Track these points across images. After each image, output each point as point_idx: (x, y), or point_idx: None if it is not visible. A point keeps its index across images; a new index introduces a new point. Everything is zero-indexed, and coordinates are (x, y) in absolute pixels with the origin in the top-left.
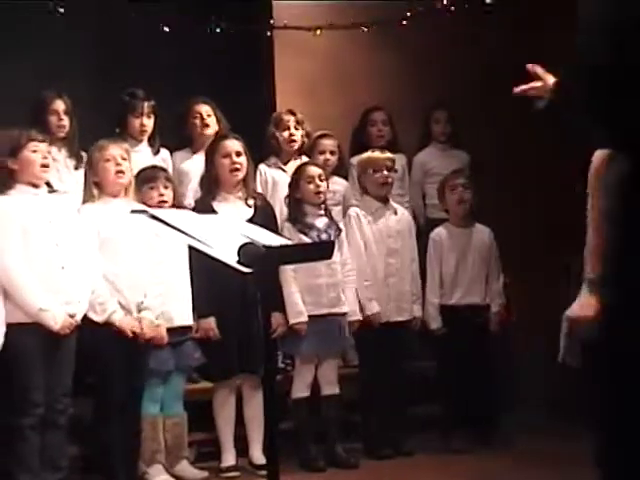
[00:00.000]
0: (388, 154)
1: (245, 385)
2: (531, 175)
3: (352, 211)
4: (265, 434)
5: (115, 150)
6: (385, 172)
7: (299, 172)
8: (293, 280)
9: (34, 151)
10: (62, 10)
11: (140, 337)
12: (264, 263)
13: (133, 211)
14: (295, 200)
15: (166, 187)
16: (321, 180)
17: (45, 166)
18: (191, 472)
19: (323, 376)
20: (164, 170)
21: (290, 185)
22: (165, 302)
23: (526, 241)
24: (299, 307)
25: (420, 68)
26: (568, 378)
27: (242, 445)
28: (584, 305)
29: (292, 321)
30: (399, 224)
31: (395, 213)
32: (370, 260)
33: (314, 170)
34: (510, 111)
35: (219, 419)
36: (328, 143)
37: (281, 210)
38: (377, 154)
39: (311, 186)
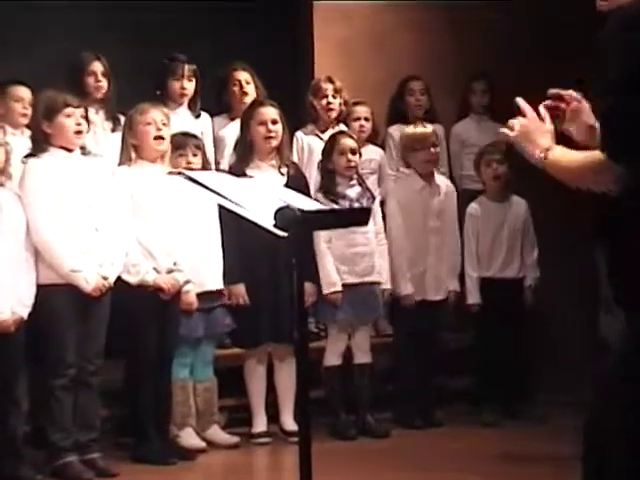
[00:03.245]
0: (430, 128)
1: (276, 352)
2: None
3: (392, 186)
4: (297, 401)
5: (156, 114)
6: (432, 149)
7: (332, 142)
8: (327, 250)
9: (68, 116)
10: None
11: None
12: (300, 227)
13: (170, 172)
14: (327, 170)
15: (195, 155)
16: (353, 153)
17: (79, 132)
18: (222, 437)
19: (356, 344)
20: (194, 137)
21: (323, 154)
22: (196, 267)
23: (564, 215)
24: (333, 277)
25: (461, 38)
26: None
27: (273, 411)
28: None
29: (326, 291)
30: (443, 203)
31: (439, 192)
32: (410, 238)
33: (347, 142)
34: (552, 83)
35: (250, 385)
36: (362, 110)
37: (316, 178)
38: (421, 130)
39: (343, 159)
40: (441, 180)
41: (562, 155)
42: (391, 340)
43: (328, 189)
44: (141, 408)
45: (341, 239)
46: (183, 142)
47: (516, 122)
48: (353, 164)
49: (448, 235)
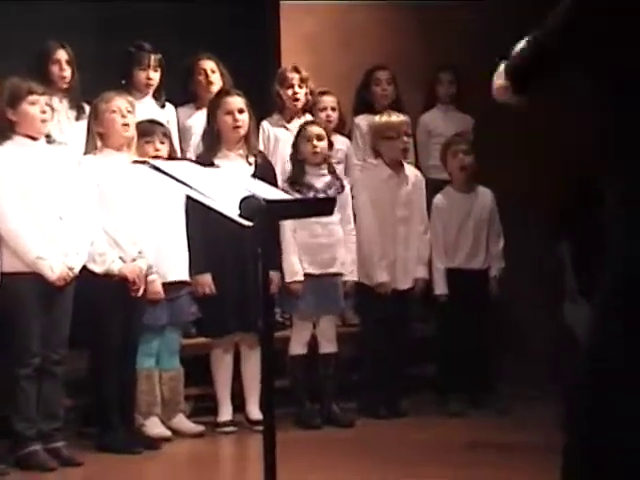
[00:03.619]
0: (402, 117)
1: (243, 342)
2: (533, 137)
3: (361, 175)
4: (262, 390)
5: (121, 102)
6: (405, 138)
7: (299, 132)
8: (293, 240)
9: (33, 103)
10: None
11: (137, 285)
12: (265, 216)
13: (135, 161)
14: (296, 160)
15: (162, 142)
16: (319, 140)
17: (44, 120)
18: (187, 426)
19: (321, 334)
20: (161, 125)
21: (293, 145)
22: (161, 257)
23: (527, 204)
24: (295, 267)
25: (426, 28)
26: (569, 344)
27: (239, 401)
28: None
29: (288, 280)
30: (410, 193)
31: (407, 181)
32: (376, 227)
33: (312, 130)
34: None
35: (216, 375)
36: (328, 100)
37: (283, 168)
38: (394, 118)
39: (309, 146)
40: (410, 170)
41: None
42: (357, 329)
43: (296, 179)
44: (106, 397)
45: (305, 229)
46: (150, 129)
47: None
48: (319, 150)
49: (415, 224)
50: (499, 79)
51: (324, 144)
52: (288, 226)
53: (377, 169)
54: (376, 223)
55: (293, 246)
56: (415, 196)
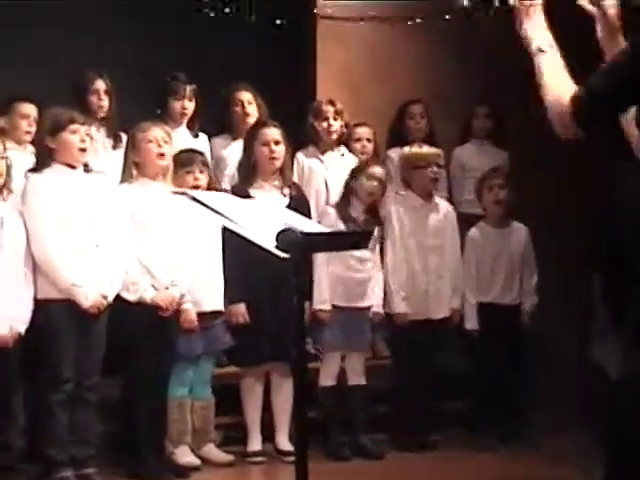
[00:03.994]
0: (432, 149)
1: (274, 372)
2: (570, 174)
3: (394, 207)
4: (294, 421)
5: (158, 132)
6: (435, 168)
7: (360, 169)
8: (324, 268)
9: (73, 132)
10: None
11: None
12: (301, 249)
13: (174, 192)
14: (347, 189)
15: (201, 172)
16: (381, 184)
17: (83, 149)
18: (217, 455)
19: (349, 366)
20: (201, 154)
21: (351, 176)
22: (196, 287)
23: (564, 240)
24: (324, 295)
25: (462, 63)
26: (600, 380)
27: (268, 431)
28: None
29: (316, 307)
30: (441, 222)
31: (438, 210)
32: (408, 257)
33: (378, 171)
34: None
35: (246, 404)
36: (364, 131)
37: (317, 199)
38: (425, 150)
39: (371, 183)
40: (440, 201)
41: (548, 66)
42: (387, 362)
43: (342, 207)
44: (137, 425)
45: (338, 261)
46: (190, 159)
47: None
48: (376, 196)
49: (449, 254)
50: (564, 117)
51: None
52: (321, 256)
53: (408, 198)
54: (404, 252)
55: (325, 275)
56: (446, 225)
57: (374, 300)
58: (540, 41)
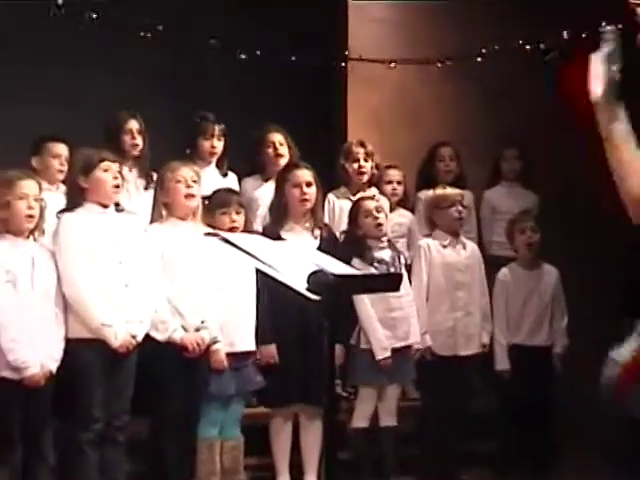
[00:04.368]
0: (457, 190)
1: (303, 413)
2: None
3: (423, 242)
4: (323, 462)
5: (186, 172)
6: (459, 207)
7: (355, 208)
8: (373, 314)
9: (105, 171)
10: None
11: (198, 353)
12: (333, 291)
13: (206, 234)
14: (357, 237)
15: (238, 213)
16: (378, 212)
17: (116, 187)
18: None
19: (384, 407)
20: (237, 194)
21: (350, 222)
22: (226, 327)
23: (592, 280)
24: (384, 342)
25: (491, 105)
26: (629, 424)
27: (297, 472)
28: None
29: (379, 357)
30: (469, 258)
31: (465, 247)
32: (436, 292)
33: (369, 204)
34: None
35: (275, 445)
36: (394, 173)
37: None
38: (448, 190)
39: (369, 219)
40: (466, 240)
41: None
42: (417, 403)
43: (362, 254)
44: (166, 465)
45: (380, 303)
46: (227, 200)
47: None
48: (381, 220)
49: (476, 291)
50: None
51: (384, 217)
52: (366, 300)
53: (435, 238)
54: (434, 288)
55: (376, 321)
56: (473, 263)
57: (415, 337)
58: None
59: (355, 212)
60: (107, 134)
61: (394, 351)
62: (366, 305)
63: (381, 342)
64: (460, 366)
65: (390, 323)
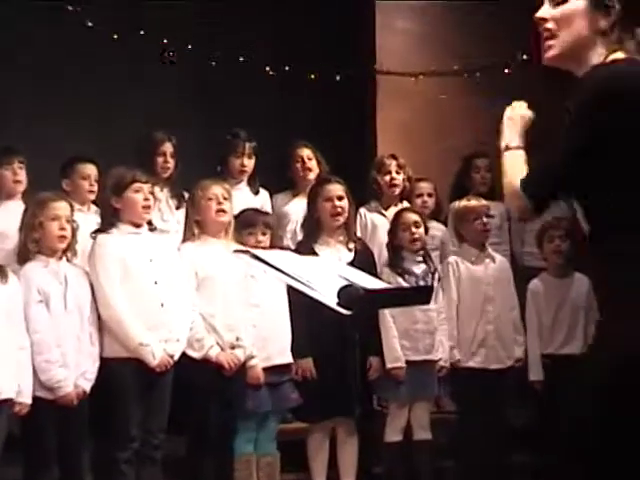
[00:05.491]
0: (483, 201)
1: (339, 428)
2: None
3: (451, 259)
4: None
5: (217, 189)
6: (484, 219)
7: (396, 219)
8: (392, 325)
9: (137, 191)
10: (173, 59)
11: (234, 370)
12: (363, 306)
13: (236, 251)
14: (394, 246)
15: (264, 233)
16: (417, 227)
17: (147, 207)
18: None
19: (416, 420)
20: (264, 214)
21: (389, 231)
22: (262, 342)
23: None
24: (397, 352)
25: None
26: None
27: None
28: None
29: (389, 365)
30: (497, 272)
31: (493, 261)
32: (465, 308)
33: (409, 217)
34: None
35: (313, 461)
36: (425, 186)
37: (380, 254)
38: (473, 202)
39: (407, 233)
40: (493, 252)
41: (509, 162)
42: (452, 416)
43: (396, 264)
44: None
45: (404, 315)
46: (253, 221)
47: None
48: (417, 236)
49: (505, 303)
50: (518, 200)
51: (422, 231)
52: (387, 311)
53: (463, 251)
54: (461, 303)
55: (393, 331)
56: (502, 275)
57: (441, 354)
58: (510, 139)
59: (395, 223)
60: (140, 154)
61: (413, 364)
62: (385, 314)
63: (394, 351)
64: (493, 379)
65: (411, 335)
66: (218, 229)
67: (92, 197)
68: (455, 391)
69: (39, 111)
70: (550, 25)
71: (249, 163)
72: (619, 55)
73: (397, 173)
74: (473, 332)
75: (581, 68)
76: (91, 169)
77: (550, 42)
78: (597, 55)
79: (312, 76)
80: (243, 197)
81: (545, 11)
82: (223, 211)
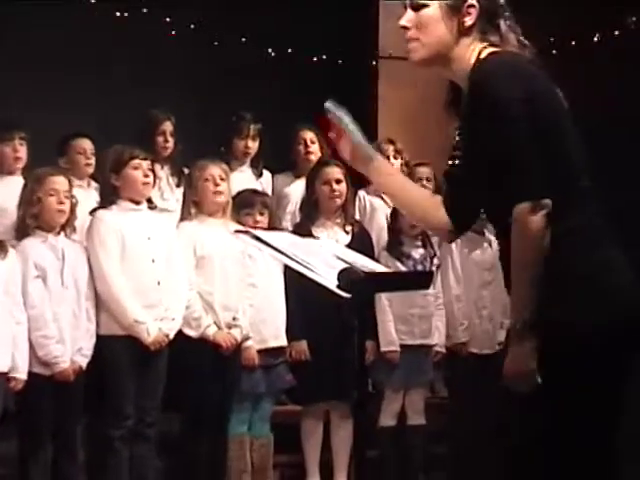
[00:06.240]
0: None
1: (334, 411)
2: None
3: (447, 248)
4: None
5: (214, 170)
6: None
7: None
8: (388, 309)
9: (136, 168)
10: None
11: (229, 351)
12: (363, 289)
13: (236, 231)
14: (394, 230)
15: (262, 213)
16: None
17: (146, 184)
18: None
19: (411, 406)
20: (261, 195)
21: (390, 214)
22: (259, 323)
23: None
24: (392, 336)
25: None
26: None
27: (327, 470)
28: None
29: (384, 349)
30: (495, 257)
31: (491, 246)
32: (462, 292)
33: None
34: None
35: (306, 444)
36: (424, 171)
37: (378, 237)
38: None
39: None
40: (493, 237)
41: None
42: (446, 401)
43: (394, 248)
44: (196, 461)
45: (400, 299)
46: (250, 201)
47: None
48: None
49: (500, 288)
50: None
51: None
52: (384, 295)
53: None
54: (458, 287)
55: (389, 315)
56: (499, 263)
57: (437, 339)
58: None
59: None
60: (140, 134)
61: (409, 348)
62: (381, 297)
63: (388, 335)
64: (485, 364)
65: (408, 319)
66: (215, 209)
67: (90, 170)
68: (448, 376)
69: (38, 94)
70: (411, 32)
71: (253, 145)
72: (491, 50)
73: (395, 158)
74: (469, 317)
75: (450, 67)
76: (86, 143)
77: (413, 44)
78: (465, 53)
79: (314, 59)
80: (246, 179)
81: (406, 18)
82: (220, 192)
